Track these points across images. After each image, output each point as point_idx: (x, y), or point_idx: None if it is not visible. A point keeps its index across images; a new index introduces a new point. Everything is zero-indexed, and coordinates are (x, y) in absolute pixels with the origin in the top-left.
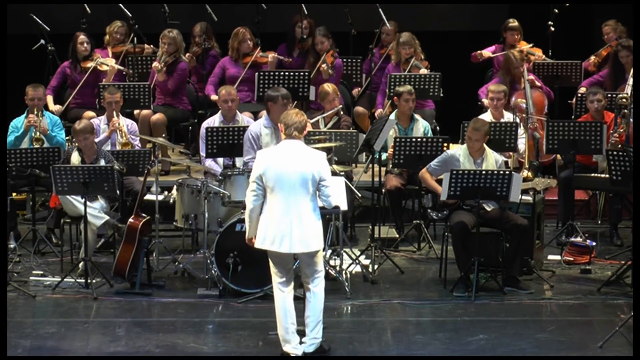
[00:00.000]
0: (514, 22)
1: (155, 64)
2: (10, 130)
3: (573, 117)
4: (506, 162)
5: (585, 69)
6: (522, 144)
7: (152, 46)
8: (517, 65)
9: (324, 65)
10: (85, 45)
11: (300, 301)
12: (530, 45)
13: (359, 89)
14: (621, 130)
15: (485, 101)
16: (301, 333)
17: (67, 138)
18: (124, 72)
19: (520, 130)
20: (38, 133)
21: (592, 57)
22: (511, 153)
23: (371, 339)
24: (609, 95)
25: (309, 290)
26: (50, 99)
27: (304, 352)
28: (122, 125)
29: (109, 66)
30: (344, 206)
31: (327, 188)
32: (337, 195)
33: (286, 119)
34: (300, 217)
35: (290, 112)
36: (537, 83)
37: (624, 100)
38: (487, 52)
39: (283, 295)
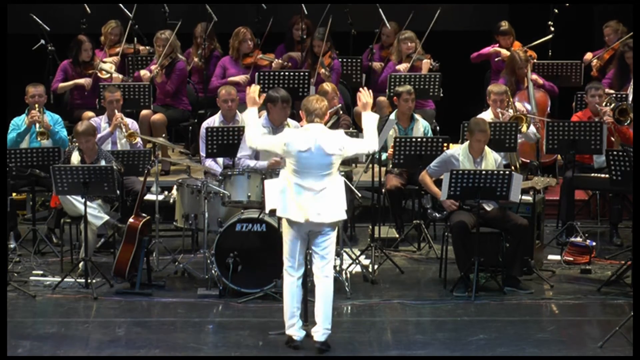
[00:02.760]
0: (505, 26)
1: (152, 67)
2: (11, 128)
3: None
4: (507, 165)
5: (587, 66)
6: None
7: (147, 47)
8: (521, 65)
9: (322, 70)
10: (89, 52)
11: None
12: (524, 48)
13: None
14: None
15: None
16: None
17: (68, 137)
18: (123, 81)
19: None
20: (42, 127)
21: (595, 60)
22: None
23: (371, 339)
24: (615, 95)
25: (318, 278)
26: (63, 84)
27: (316, 341)
28: (125, 119)
29: (109, 73)
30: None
31: (356, 148)
32: (368, 143)
33: (307, 106)
34: (323, 191)
35: (311, 98)
36: (540, 81)
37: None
38: (504, 51)
39: (292, 279)
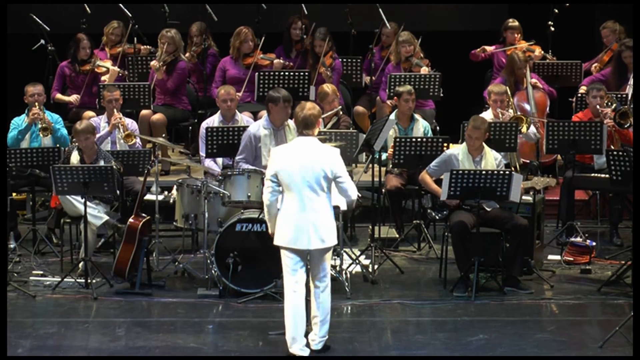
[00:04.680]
0: (514, 22)
1: (153, 62)
2: (12, 127)
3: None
4: (507, 165)
5: (587, 72)
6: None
7: (149, 47)
8: (520, 66)
9: (323, 69)
10: (87, 50)
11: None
12: (530, 43)
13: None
14: (608, 110)
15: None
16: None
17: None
18: (120, 74)
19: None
20: (45, 123)
21: (595, 64)
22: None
23: (371, 339)
24: (616, 95)
25: (317, 288)
26: (60, 96)
27: (313, 350)
28: (123, 119)
29: (107, 68)
30: (343, 206)
31: (344, 184)
32: (354, 189)
33: (297, 115)
34: (316, 214)
35: (306, 105)
36: (540, 85)
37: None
38: (489, 48)
39: (295, 295)
